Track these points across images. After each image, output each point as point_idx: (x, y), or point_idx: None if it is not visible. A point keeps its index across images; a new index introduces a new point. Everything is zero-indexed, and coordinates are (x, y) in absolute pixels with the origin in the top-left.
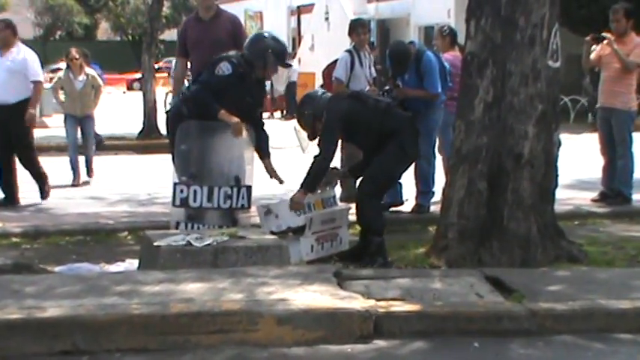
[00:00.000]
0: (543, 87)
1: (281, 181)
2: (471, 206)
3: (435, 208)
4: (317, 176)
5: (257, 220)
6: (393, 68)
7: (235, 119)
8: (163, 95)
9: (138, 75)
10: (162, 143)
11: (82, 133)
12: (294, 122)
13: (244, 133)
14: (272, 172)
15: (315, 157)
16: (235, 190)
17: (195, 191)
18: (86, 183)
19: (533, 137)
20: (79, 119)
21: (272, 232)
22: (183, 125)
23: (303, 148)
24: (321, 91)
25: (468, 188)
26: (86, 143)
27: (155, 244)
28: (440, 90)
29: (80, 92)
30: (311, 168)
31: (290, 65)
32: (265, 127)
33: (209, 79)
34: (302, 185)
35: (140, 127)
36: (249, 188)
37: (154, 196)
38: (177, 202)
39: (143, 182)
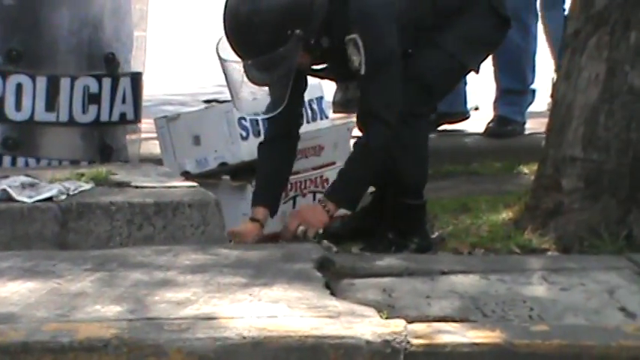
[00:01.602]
0: None
1: None
2: (613, 122)
3: (534, 126)
4: (367, 174)
5: (156, 146)
6: None
7: None
8: None
9: None
10: None
11: None
12: (219, 40)
13: None
14: None
15: (372, 130)
16: (108, 82)
17: (18, 86)
18: None
19: None
20: None
21: (186, 174)
22: None
23: (238, 101)
24: None
25: (609, 84)
26: None
27: None
28: None
29: None
30: (359, 155)
31: None
32: None
33: None
34: (333, 192)
35: None
36: (136, 78)
37: None
38: None
39: None
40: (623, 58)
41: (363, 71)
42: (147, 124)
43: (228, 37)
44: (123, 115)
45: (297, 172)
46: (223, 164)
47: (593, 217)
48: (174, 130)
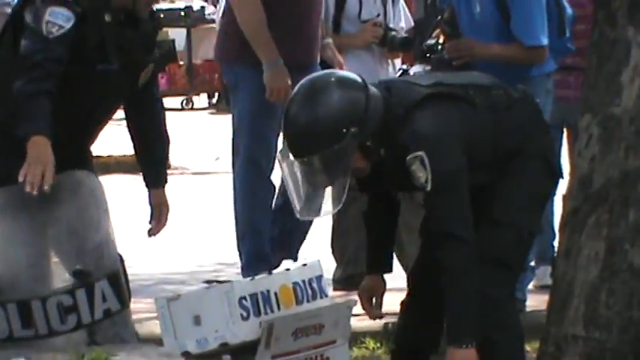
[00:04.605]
0: None
1: (152, 233)
2: (614, 300)
3: (535, 304)
4: (471, 291)
5: (157, 326)
6: None
7: (39, 156)
8: None
9: None
10: None
11: None
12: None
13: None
14: (159, 212)
15: (447, 250)
16: (82, 292)
17: None
18: None
19: None
20: None
21: (187, 355)
22: None
23: (298, 207)
24: (352, 76)
25: (609, 262)
26: None
27: None
28: (544, 43)
29: None
30: (452, 282)
31: None
32: (163, 118)
33: (37, 54)
34: (457, 335)
35: None
36: (113, 277)
37: None
38: None
39: None
40: (623, 236)
41: (429, 187)
42: (147, 304)
43: (287, 140)
44: (107, 311)
45: (298, 351)
46: (224, 344)
47: None
48: (175, 310)
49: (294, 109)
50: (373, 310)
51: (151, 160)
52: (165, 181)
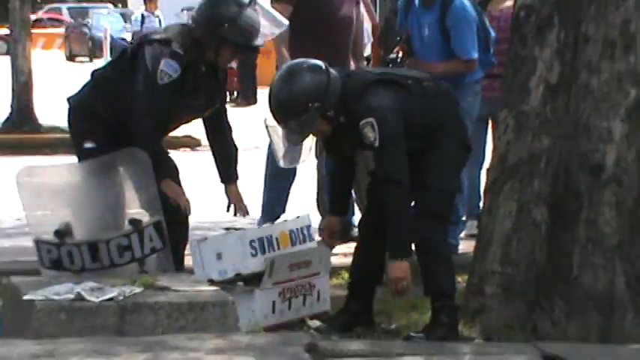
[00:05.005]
0: (639, 61)
1: (245, 213)
2: (522, 246)
3: (465, 248)
4: (405, 220)
5: (189, 260)
6: None
7: (182, 196)
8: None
9: (4, 31)
10: (41, 139)
11: None
12: (266, 116)
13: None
14: (237, 201)
15: (389, 191)
16: (135, 237)
17: (69, 252)
18: None
19: (622, 140)
20: None
21: (211, 281)
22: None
23: (281, 158)
24: (318, 64)
25: (518, 218)
26: None
27: (26, 297)
28: (475, 57)
29: None
30: (392, 213)
31: (257, 50)
32: (230, 134)
33: (152, 97)
34: (395, 251)
35: (6, 112)
36: (157, 224)
37: (25, 222)
38: (47, 264)
39: (9, 201)
40: (529, 200)
41: (377, 144)
42: None
43: (270, 108)
44: (153, 249)
45: (292, 280)
46: (238, 274)
47: (508, 315)
48: (203, 249)
49: (276, 88)
50: (331, 241)
51: (223, 163)
52: (237, 178)
